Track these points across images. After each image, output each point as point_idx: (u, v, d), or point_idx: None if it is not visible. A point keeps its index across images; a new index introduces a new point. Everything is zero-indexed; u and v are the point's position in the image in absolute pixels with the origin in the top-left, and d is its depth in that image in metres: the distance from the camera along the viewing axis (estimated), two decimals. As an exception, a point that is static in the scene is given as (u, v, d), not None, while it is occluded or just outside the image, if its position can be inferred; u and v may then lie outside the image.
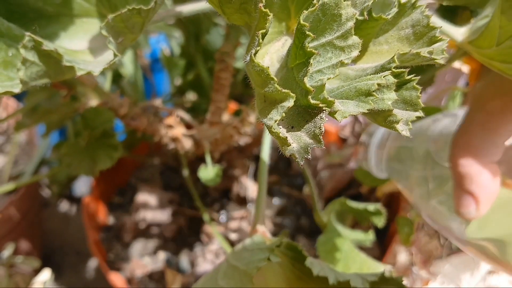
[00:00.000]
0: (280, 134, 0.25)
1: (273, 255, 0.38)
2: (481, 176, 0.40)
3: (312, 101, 0.25)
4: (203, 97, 0.93)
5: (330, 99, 0.25)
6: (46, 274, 0.78)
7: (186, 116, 0.67)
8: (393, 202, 0.89)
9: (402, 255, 0.94)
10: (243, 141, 0.64)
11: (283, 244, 0.42)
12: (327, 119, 0.25)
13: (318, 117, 0.26)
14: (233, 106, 0.97)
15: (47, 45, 0.33)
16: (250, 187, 0.86)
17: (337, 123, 1.04)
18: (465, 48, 0.42)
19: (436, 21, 0.41)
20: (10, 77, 0.37)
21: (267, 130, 0.55)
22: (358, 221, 0.79)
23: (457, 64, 0.71)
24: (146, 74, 1.03)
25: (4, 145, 1.06)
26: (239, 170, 0.87)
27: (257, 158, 0.98)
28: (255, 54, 0.25)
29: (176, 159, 0.93)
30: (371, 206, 0.69)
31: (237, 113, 0.91)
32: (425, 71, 0.67)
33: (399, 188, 0.60)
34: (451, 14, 0.56)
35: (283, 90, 0.24)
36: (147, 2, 0.39)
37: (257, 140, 0.84)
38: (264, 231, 0.45)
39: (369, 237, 0.71)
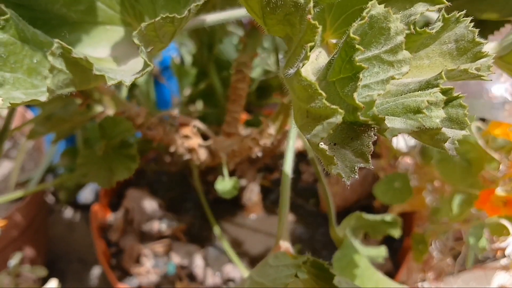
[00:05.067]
0: (327, 152, 0.24)
1: (301, 271, 0.36)
2: None
3: (362, 118, 0.24)
4: (214, 107, 0.92)
5: (380, 116, 0.24)
6: (53, 284, 0.77)
7: (203, 127, 0.66)
8: (406, 219, 0.88)
9: (414, 272, 0.93)
10: (260, 153, 0.63)
11: (310, 258, 0.41)
12: (375, 137, 0.24)
13: (366, 134, 0.25)
14: (244, 116, 0.96)
15: (76, 53, 0.32)
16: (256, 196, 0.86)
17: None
18: (495, 64, 0.42)
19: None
20: (34, 84, 0.36)
21: (289, 142, 0.54)
22: (370, 235, 0.78)
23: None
24: (158, 80, 1.02)
25: (10, 150, 1.05)
26: (249, 180, 0.86)
27: (266, 169, 0.97)
28: (302, 67, 0.24)
29: (186, 168, 0.92)
30: (388, 217, 0.68)
31: (248, 123, 0.90)
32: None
33: None
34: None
35: (332, 106, 0.23)
36: (176, 10, 0.38)
37: (270, 151, 0.83)
38: (287, 248, 0.44)
39: (382, 254, 0.69)
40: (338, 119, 0.24)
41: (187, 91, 1.01)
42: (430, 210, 0.84)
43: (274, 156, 0.92)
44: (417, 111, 0.25)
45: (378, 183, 0.76)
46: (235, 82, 0.63)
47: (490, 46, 0.41)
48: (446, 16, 0.29)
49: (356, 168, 0.24)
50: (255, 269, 0.42)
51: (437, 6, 0.28)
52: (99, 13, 0.43)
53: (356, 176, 0.24)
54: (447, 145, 0.26)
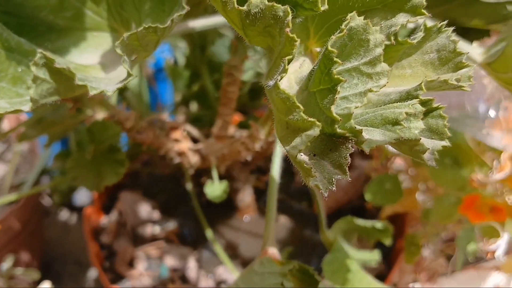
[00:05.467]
0: (305, 165, 0.24)
1: (287, 280, 0.36)
2: None
3: (339, 131, 0.24)
4: (207, 108, 0.92)
5: (357, 128, 0.24)
6: (46, 285, 0.77)
7: (193, 131, 0.66)
8: (398, 220, 0.88)
9: (405, 273, 0.93)
10: (250, 157, 0.63)
11: (295, 266, 0.41)
12: (353, 149, 0.24)
13: (344, 146, 0.25)
14: (237, 117, 0.95)
15: (59, 63, 0.32)
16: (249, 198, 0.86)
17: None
18: (483, 69, 0.42)
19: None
20: (19, 93, 0.36)
21: (276, 147, 0.54)
22: (364, 238, 0.78)
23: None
24: (150, 83, 1.02)
25: (5, 153, 1.05)
26: (242, 183, 0.86)
27: (259, 170, 0.97)
28: (280, 80, 0.24)
29: (180, 170, 0.92)
30: (379, 224, 0.68)
31: (241, 125, 0.90)
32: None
33: None
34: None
35: (309, 119, 0.23)
36: (161, 18, 0.38)
37: (261, 153, 0.83)
38: (274, 253, 0.44)
39: (375, 257, 0.70)
40: (316, 131, 0.24)
41: (181, 93, 1.01)
42: (422, 211, 0.84)
43: (267, 157, 0.91)
44: (395, 122, 0.25)
45: (368, 184, 0.76)
46: (226, 85, 0.63)
47: (478, 51, 0.41)
48: (427, 26, 0.29)
49: (334, 179, 0.24)
50: (240, 275, 0.42)
51: (418, 17, 0.28)
52: (86, 20, 0.43)
53: (334, 188, 0.24)
54: (426, 155, 0.26)
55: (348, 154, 0.24)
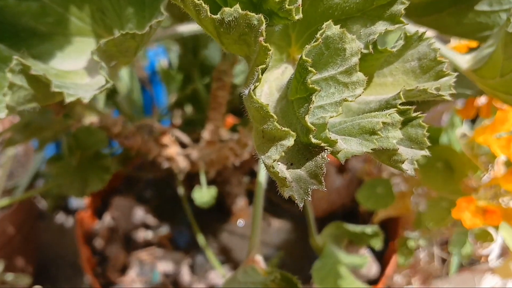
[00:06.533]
0: (279, 175, 0.24)
1: (268, 291, 0.36)
2: None
3: (314, 140, 0.23)
4: (200, 111, 0.92)
5: (332, 138, 0.23)
6: None
7: (182, 135, 0.65)
8: (392, 223, 0.88)
9: (399, 276, 0.93)
10: (239, 161, 0.63)
11: (277, 276, 0.40)
12: (328, 159, 0.24)
13: (320, 156, 0.24)
14: (230, 120, 0.95)
15: (36, 69, 0.31)
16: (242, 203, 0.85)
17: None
18: (469, 77, 0.41)
19: (441, 47, 0.40)
20: (-3, 99, 0.35)
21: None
22: (354, 242, 0.78)
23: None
24: (145, 86, 1.02)
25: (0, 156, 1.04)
26: (234, 186, 0.86)
27: (252, 173, 0.97)
28: (254, 90, 0.23)
29: (172, 174, 0.92)
30: (369, 229, 0.68)
31: (234, 128, 0.90)
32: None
33: None
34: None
35: (283, 129, 0.23)
36: (141, 24, 0.38)
37: (254, 156, 0.82)
38: (258, 261, 0.44)
39: (365, 261, 0.69)
40: (290, 141, 0.24)
41: (174, 96, 1.00)
42: (415, 215, 0.83)
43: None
44: (372, 132, 0.24)
45: (360, 188, 0.75)
46: (215, 90, 0.63)
47: (464, 59, 0.41)
48: (408, 34, 0.29)
49: (309, 190, 0.24)
50: (224, 284, 0.41)
51: (397, 25, 0.27)
52: (69, 25, 0.42)
53: (309, 198, 0.24)
54: (405, 165, 0.26)
55: (323, 164, 0.24)
